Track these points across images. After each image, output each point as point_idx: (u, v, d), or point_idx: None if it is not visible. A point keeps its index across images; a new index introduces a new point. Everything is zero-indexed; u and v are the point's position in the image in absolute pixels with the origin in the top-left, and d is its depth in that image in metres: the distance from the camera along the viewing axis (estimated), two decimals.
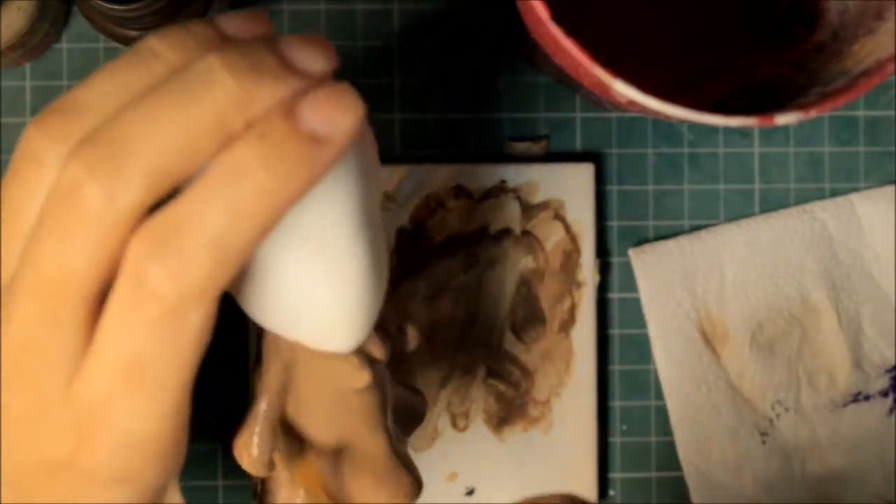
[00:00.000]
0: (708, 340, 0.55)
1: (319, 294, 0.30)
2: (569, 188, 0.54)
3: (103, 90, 0.27)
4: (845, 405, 0.56)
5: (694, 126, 0.56)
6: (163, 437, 0.28)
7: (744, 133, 0.56)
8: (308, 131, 0.26)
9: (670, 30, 0.53)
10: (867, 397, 0.56)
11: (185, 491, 0.55)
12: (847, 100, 0.39)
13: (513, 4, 0.55)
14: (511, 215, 0.54)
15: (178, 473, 0.30)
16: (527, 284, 0.54)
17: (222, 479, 0.55)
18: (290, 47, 0.28)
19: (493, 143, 0.55)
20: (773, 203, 0.56)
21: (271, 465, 0.39)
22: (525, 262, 0.54)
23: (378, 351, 0.39)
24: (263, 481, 0.40)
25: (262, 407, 0.38)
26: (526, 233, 0.54)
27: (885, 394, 0.56)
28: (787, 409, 0.56)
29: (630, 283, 0.56)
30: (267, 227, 0.26)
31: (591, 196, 0.54)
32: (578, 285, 0.54)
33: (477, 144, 0.55)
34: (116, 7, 0.44)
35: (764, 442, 0.56)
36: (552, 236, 0.54)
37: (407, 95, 0.55)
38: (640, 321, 0.56)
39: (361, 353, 0.38)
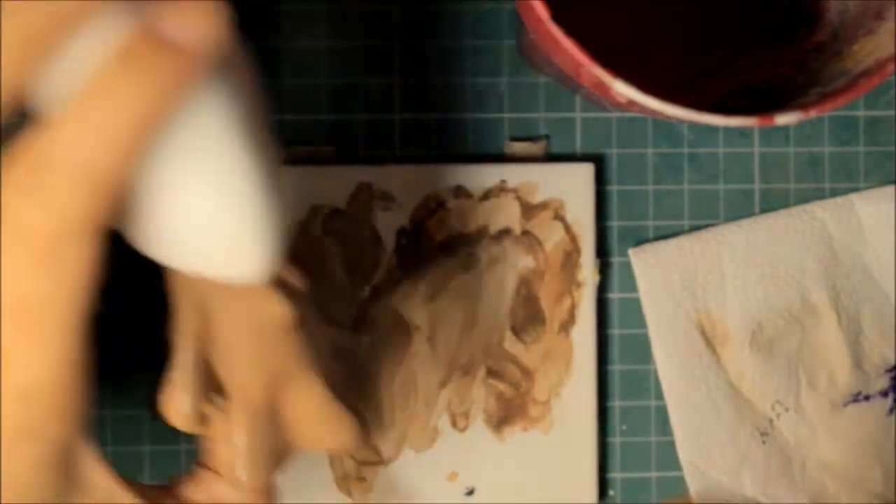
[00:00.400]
0: (708, 340, 0.55)
1: (212, 213, 0.29)
2: (569, 188, 0.54)
3: None
4: (845, 405, 0.56)
5: (694, 126, 0.56)
6: (58, 384, 0.27)
7: (744, 133, 0.56)
8: (170, 41, 0.25)
9: (670, 30, 0.53)
10: (867, 397, 0.56)
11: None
12: (847, 100, 0.39)
13: (512, 4, 0.55)
14: (511, 215, 0.54)
15: (82, 428, 0.29)
16: (527, 284, 0.54)
17: None
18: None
19: (493, 143, 0.55)
20: (773, 203, 0.56)
21: (203, 420, 0.36)
22: (525, 262, 0.54)
23: (296, 280, 0.36)
24: (199, 440, 0.38)
25: (182, 355, 0.35)
26: (526, 233, 0.54)
27: (885, 394, 0.56)
28: (787, 409, 0.56)
29: (630, 283, 0.56)
30: (138, 148, 0.25)
31: (591, 196, 0.54)
32: (578, 285, 0.54)
33: (477, 144, 0.55)
34: None
35: (764, 442, 0.56)
36: (552, 236, 0.54)
37: (407, 95, 0.55)
38: (640, 321, 0.56)
39: (279, 285, 0.35)
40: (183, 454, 0.55)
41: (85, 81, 0.25)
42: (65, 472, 0.29)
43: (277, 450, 0.39)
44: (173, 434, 0.55)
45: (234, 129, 0.28)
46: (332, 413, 0.39)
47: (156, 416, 0.54)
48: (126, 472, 0.42)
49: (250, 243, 0.30)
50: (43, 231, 0.25)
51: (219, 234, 0.29)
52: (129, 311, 0.54)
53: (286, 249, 0.32)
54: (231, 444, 0.37)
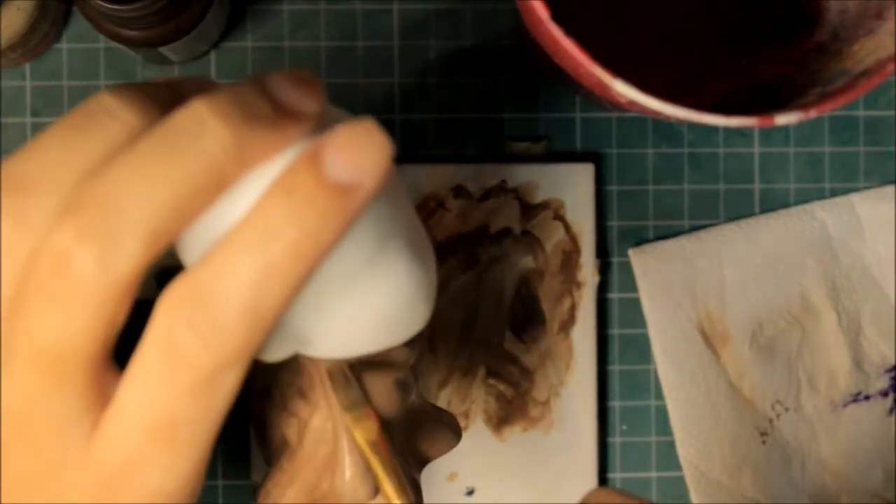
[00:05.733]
0: (708, 340, 0.55)
1: (387, 313, 0.30)
2: (569, 188, 0.54)
3: (51, 160, 0.26)
4: (845, 405, 0.56)
5: (694, 126, 0.56)
6: (188, 489, 0.27)
7: (744, 133, 0.56)
8: (335, 180, 0.25)
9: (670, 30, 0.53)
10: (867, 397, 0.56)
11: None
12: (847, 100, 0.39)
13: (512, 4, 0.55)
14: (511, 215, 0.54)
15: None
16: (527, 284, 0.54)
17: (222, 479, 0.55)
18: (279, 88, 0.26)
19: (493, 143, 0.55)
20: (773, 203, 0.56)
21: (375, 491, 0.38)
22: (525, 262, 0.54)
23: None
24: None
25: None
26: (526, 233, 0.54)
27: (885, 394, 0.56)
28: (787, 409, 0.56)
29: (630, 283, 0.56)
30: (300, 285, 0.25)
31: (591, 196, 0.54)
32: (578, 285, 0.54)
33: (477, 144, 0.55)
34: (116, 7, 0.44)
35: (764, 442, 0.56)
36: (552, 236, 0.54)
37: (407, 95, 0.55)
38: (640, 321, 0.56)
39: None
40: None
41: (251, 214, 0.25)
42: None
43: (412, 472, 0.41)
44: None
45: (393, 231, 0.29)
46: (442, 422, 0.41)
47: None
48: None
49: (420, 316, 0.31)
50: (205, 365, 0.25)
51: (397, 324, 0.30)
52: None
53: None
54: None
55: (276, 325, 0.27)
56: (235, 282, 0.25)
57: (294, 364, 0.40)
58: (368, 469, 0.39)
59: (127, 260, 0.24)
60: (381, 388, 0.39)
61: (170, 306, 0.25)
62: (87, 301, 0.25)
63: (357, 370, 0.38)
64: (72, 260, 0.24)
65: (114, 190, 0.24)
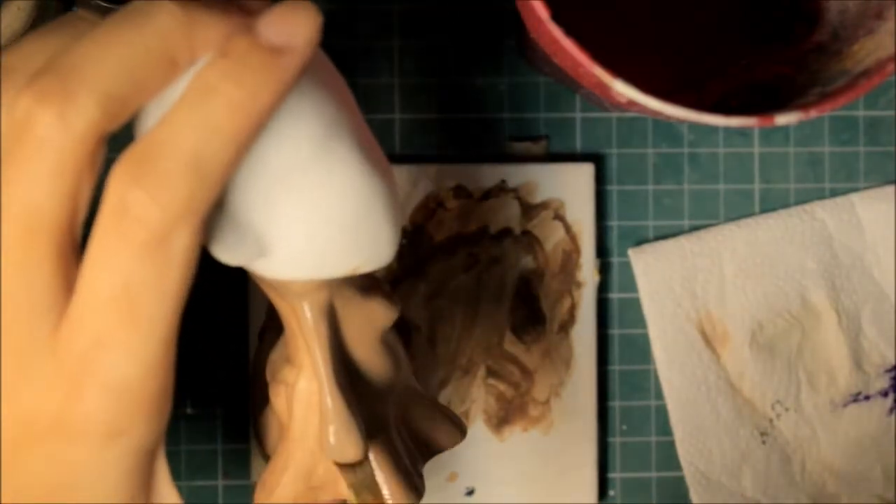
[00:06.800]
0: (708, 340, 0.55)
1: (344, 217, 0.30)
2: (569, 188, 0.54)
3: (32, 51, 0.28)
4: (845, 405, 0.56)
5: (694, 126, 0.56)
6: (152, 381, 0.27)
7: (744, 133, 0.56)
8: (268, 41, 0.27)
9: (670, 29, 0.53)
10: (867, 397, 0.56)
11: (185, 491, 0.55)
12: (847, 100, 0.39)
13: (512, 4, 0.55)
14: (511, 215, 0.54)
15: (164, 433, 0.29)
16: (527, 284, 0.54)
17: (222, 479, 0.55)
18: None
19: (493, 143, 0.55)
20: (773, 203, 0.56)
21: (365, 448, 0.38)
22: (525, 262, 0.54)
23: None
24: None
25: (329, 385, 0.36)
26: (526, 233, 0.54)
27: (885, 394, 0.56)
28: (787, 409, 0.56)
29: (630, 283, 0.56)
30: (243, 143, 0.27)
31: (591, 196, 0.54)
32: (578, 285, 0.54)
33: (477, 144, 0.55)
34: (116, 7, 0.44)
35: (764, 442, 0.56)
36: (552, 236, 0.54)
37: (407, 95, 0.55)
38: (640, 321, 0.56)
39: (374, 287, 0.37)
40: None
41: (191, 81, 0.27)
42: (146, 480, 0.29)
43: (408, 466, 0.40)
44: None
45: (339, 128, 0.30)
46: (444, 414, 0.41)
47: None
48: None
49: (387, 231, 0.32)
50: (154, 219, 0.26)
51: (354, 234, 0.31)
52: None
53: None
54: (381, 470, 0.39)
55: (224, 188, 0.28)
56: (179, 137, 0.26)
57: (282, 340, 0.40)
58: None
59: (84, 118, 0.26)
60: (366, 345, 0.38)
61: (120, 170, 0.26)
62: (46, 158, 0.26)
63: (337, 318, 0.37)
64: (33, 119, 0.26)
65: (73, 59, 0.26)
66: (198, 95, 0.26)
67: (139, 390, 0.27)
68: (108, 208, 0.26)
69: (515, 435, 0.54)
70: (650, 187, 0.56)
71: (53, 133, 0.26)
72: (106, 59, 0.26)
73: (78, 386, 0.27)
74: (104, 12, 0.44)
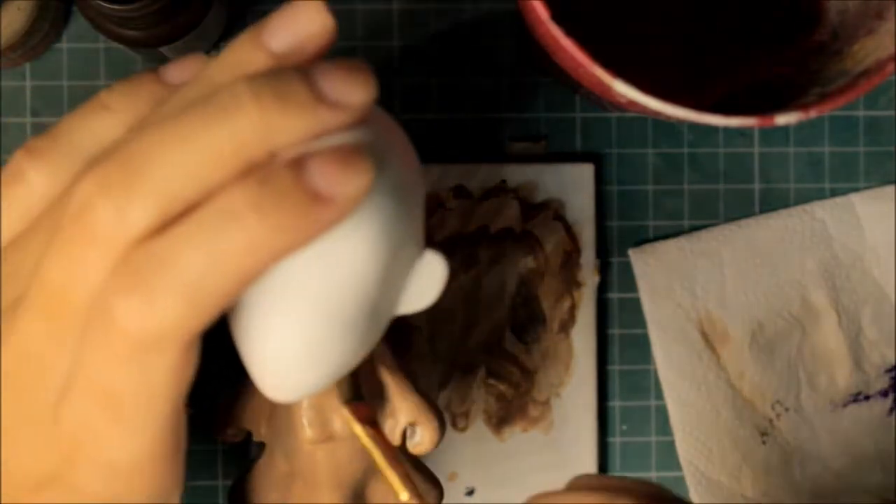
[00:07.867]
0: (708, 340, 0.55)
1: (285, 348, 0.28)
2: (569, 188, 0.54)
3: (91, 124, 0.28)
4: (845, 405, 0.56)
5: (694, 126, 0.56)
6: (147, 465, 0.27)
7: (744, 133, 0.56)
8: (312, 187, 0.25)
9: (670, 30, 0.53)
10: (867, 397, 0.56)
11: (185, 491, 0.55)
12: (847, 100, 0.39)
13: (513, 4, 0.55)
14: (511, 215, 0.54)
15: (178, 494, 0.29)
16: (527, 284, 0.54)
17: (222, 479, 0.55)
18: (324, 76, 0.26)
19: (493, 143, 0.55)
20: (773, 203, 0.56)
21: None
22: (525, 262, 0.54)
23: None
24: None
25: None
26: (526, 233, 0.54)
27: (885, 394, 0.56)
28: (787, 409, 0.56)
29: (630, 283, 0.56)
30: (248, 280, 0.25)
31: (591, 196, 0.54)
32: (578, 285, 0.54)
33: (477, 144, 0.55)
34: (116, 7, 0.44)
35: (764, 442, 0.56)
36: (552, 236, 0.54)
37: (407, 95, 0.55)
38: (640, 321, 0.56)
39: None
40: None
41: (216, 196, 0.25)
42: None
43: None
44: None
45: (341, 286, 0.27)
46: (428, 412, 0.41)
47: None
48: None
49: (298, 379, 0.29)
50: (134, 335, 0.25)
51: (275, 365, 0.29)
52: None
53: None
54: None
55: (222, 312, 0.26)
56: (181, 257, 0.24)
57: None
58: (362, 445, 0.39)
59: (143, 216, 0.25)
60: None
61: (116, 273, 0.25)
62: (99, 248, 0.25)
63: None
64: (92, 208, 0.25)
65: (140, 150, 0.25)
66: (217, 218, 0.24)
67: (132, 472, 0.27)
68: (95, 306, 0.25)
69: (515, 435, 0.54)
70: (650, 187, 0.56)
71: (110, 224, 0.25)
72: (173, 157, 0.25)
73: (71, 459, 0.27)
74: (106, 13, 0.44)
